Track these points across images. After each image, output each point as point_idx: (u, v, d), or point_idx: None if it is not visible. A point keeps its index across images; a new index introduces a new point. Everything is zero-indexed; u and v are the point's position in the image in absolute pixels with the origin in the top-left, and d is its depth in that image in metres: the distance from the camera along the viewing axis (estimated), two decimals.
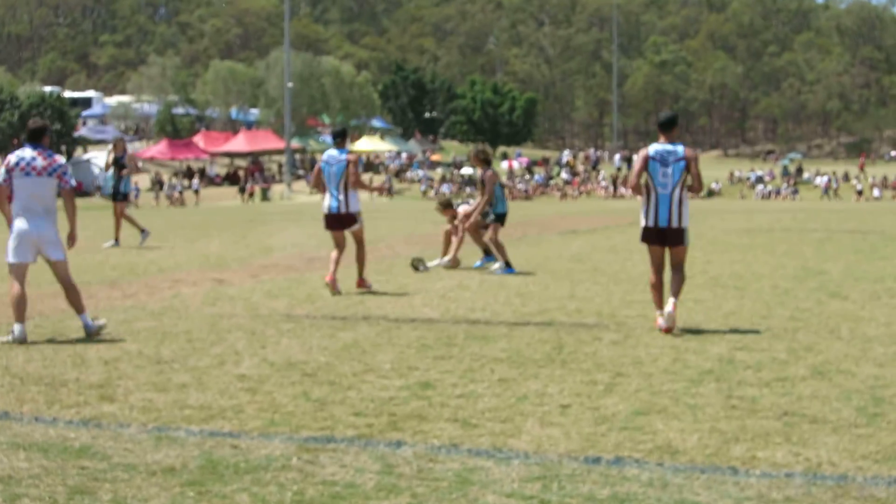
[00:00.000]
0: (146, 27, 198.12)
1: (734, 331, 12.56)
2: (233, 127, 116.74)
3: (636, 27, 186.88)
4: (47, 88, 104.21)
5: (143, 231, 25.64)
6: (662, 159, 12.58)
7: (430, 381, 9.81)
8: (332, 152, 16.65)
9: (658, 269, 12.76)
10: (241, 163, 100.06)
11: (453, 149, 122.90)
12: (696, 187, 12.73)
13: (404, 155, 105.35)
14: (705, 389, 9.47)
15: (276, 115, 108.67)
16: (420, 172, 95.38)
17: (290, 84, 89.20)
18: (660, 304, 12.58)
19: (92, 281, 17.97)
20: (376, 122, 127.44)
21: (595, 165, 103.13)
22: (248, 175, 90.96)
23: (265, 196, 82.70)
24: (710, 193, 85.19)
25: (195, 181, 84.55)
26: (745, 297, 15.72)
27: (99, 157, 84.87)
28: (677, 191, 12.56)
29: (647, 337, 12.12)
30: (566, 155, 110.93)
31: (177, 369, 10.39)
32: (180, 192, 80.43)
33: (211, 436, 7.98)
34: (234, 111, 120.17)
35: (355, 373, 10.18)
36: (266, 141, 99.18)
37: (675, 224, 12.58)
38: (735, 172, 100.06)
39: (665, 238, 12.68)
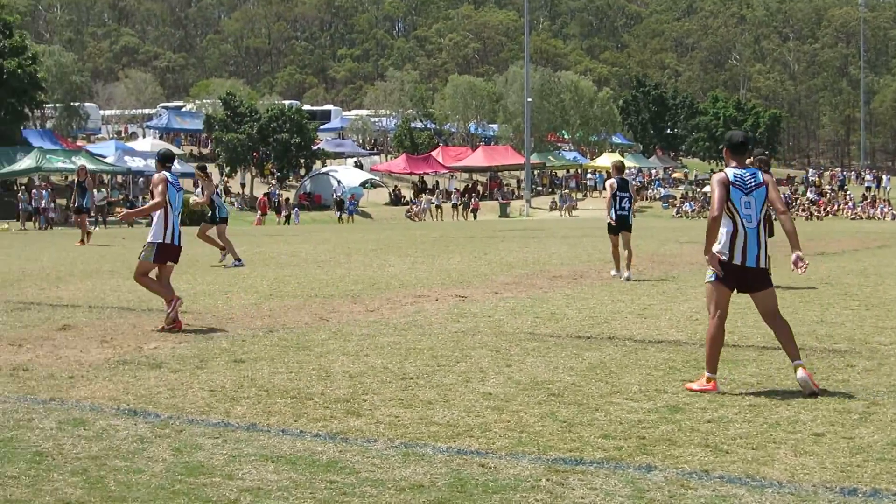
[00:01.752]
0: (384, 41, 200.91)
1: None
2: (471, 142, 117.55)
3: (884, 42, 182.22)
4: (286, 102, 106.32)
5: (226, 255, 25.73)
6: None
7: (678, 404, 9.58)
8: None
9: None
10: (480, 178, 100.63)
11: (695, 166, 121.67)
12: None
13: (646, 172, 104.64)
14: None
15: (514, 131, 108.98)
16: (662, 190, 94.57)
17: (529, 99, 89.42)
18: None
19: (334, 294, 18.18)
20: (617, 139, 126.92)
21: (842, 185, 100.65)
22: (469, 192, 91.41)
23: (504, 212, 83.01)
24: None
25: (435, 197, 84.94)
26: None
27: (339, 171, 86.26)
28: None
29: None
30: (812, 174, 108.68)
31: (422, 385, 10.36)
32: (422, 208, 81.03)
33: (458, 454, 7.91)
34: (472, 126, 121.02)
35: (602, 394, 10.00)
36: (505, 156, 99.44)
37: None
38: None
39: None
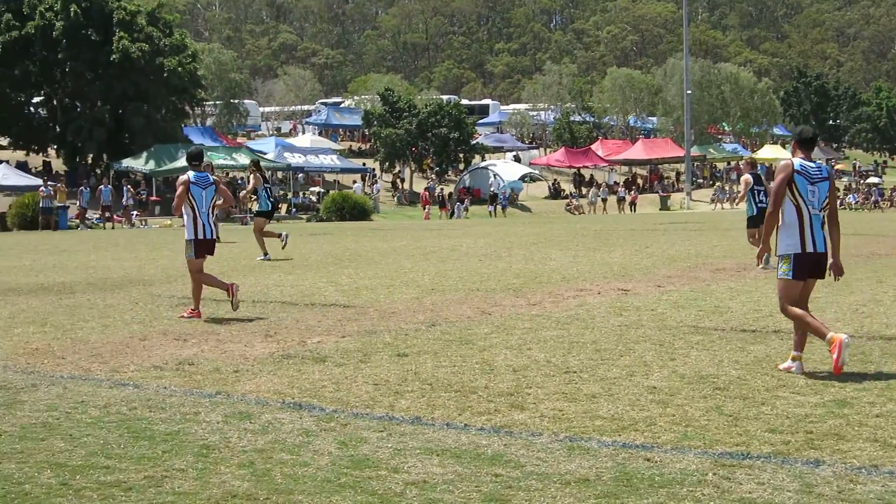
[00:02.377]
0: (541, 35, 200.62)
1: None
2: (631, 135, 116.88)
3: None
4: (444, 97, 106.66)
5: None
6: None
7: (846, 398, 9.35)
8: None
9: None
10: (640, 171, 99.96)
11: (858, 157, 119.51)
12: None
13: None
14: None
15: (674, 123, 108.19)
16: None
17: (689, 91, 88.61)
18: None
19: (496, 288, 18.15)
20: (778, 130, 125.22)
21: None
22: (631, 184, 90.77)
23: (664, 205, 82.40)
24: None
25: (601, 190, 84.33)
26: None
27: (498, 166, 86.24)
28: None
29: None
30: None
31: (586, 379, 10.26)
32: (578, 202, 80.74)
33: (623, 447, 7.81)
34: (632, 119, 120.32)
35: (768, 388, 9.81)
36: (665, 149, 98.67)
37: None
38: None
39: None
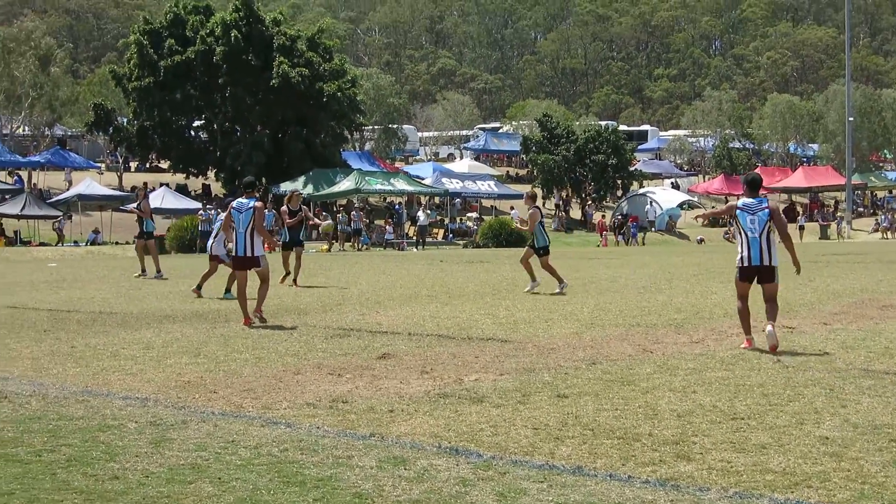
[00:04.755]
0: (701, 60, 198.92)
1: None
2: (791, 162, 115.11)
3: None
4: (602, 122, 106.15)
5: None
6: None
7: None
8: None
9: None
10: (800, 199, 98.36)
11: None
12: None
13: None
14: None
15: (835, 150, 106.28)
16: None
17: (850, 118, 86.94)
18: None
19: (657, 324, 17.69)
20: None
21: None
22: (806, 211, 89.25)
23: (824, 234, 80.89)
24: None
25: None
26: None
27: (656, 193, 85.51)
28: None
29: None
30: None
31: (754, 427, 9.77)
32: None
33: None
34: (792, 145, 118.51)
35: None
36: (826, 177, 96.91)
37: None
38: None
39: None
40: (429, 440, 9.33)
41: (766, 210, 14.91)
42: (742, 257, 15.01)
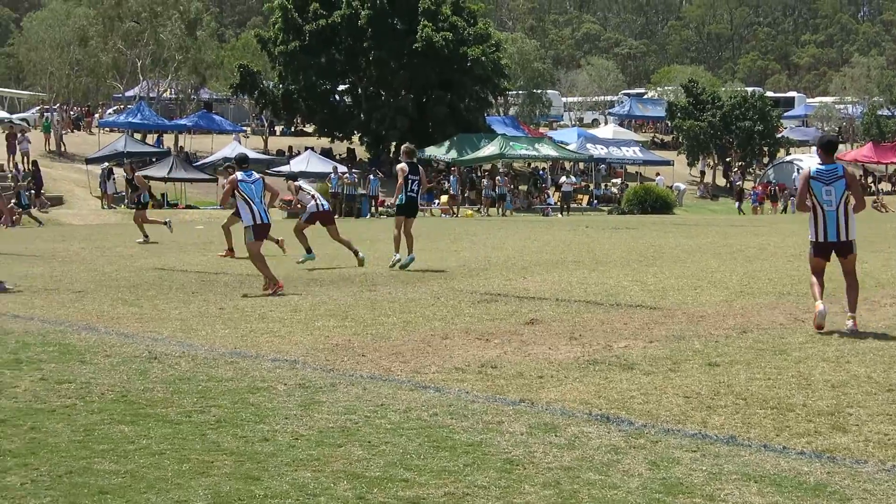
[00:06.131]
0: (849, 26, 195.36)
1: None
2: None
3: None
4: (748, 89, 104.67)
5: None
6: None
7: None
8: None
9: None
10: None
11: None
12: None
13: None
14: None
15: None
16: None
17: None
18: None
19: (808, 293, 17.28)
20: None
21: None
22: None
23: None
24: None
25: None
26: None
27: (803, 160, 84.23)
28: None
29: None
30: None
31: None
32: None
33: None
34: None
35: None
36: None
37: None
38: None
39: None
40: (579, 407, 9.25)
41: (843, 179, 13.62)
42: (817, 232, 13.88)
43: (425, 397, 9.65)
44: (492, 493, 6.89)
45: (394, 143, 78.05)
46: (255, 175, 19.05)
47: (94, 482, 7.15)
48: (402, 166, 22.30)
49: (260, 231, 18.70)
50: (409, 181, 22.11)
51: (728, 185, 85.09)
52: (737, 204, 71.99)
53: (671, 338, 12.74)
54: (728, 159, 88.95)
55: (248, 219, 18.62)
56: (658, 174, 77.21)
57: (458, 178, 65.62)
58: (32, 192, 57.50)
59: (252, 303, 16.54)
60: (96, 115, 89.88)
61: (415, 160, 22.85)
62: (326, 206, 24.27)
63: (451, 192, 63.42)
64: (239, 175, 18.83)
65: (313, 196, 23.67)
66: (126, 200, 54.47)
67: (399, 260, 21.79)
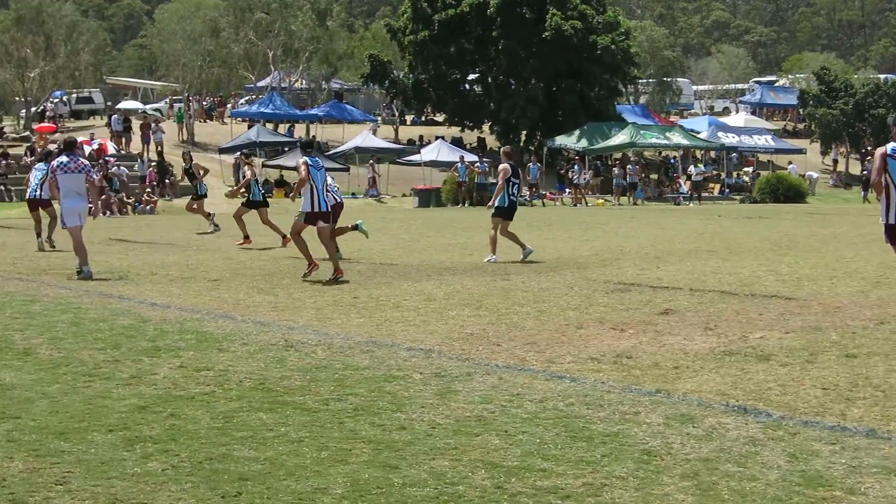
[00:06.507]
0: None
1: None
2: None
3: None
4: (882, 76, 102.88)
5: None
6: None
7: None
8: None
9: None
10: None
11: None
12: None
13: None
14: None
15: None
16: None
17: None
18: None
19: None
20: None
21: None
22: None
23: None
24: None
25: None
26: None
27: None
28: None
29: None
30: None
31: None
32: None
33: None
34: None
35: None
36: None
37: None
38: None
39: None
40: (716, 398, 9.20)
41: None
42: (890, 213, 13.29)
43: (561, 387, 9.66)
44: (630, 484, 6.89)
45: (524, 132, 77.94)
46: (321, 162, 19.65)
47: (234, 468, 7.27)
48: (504, 167, 22.19)
49: (312, 218, 18.96)
50: (511, 184, 22.05)
51: (863, 174, 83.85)
52: (863, 193, 70.69)
53: (807, 329, 12.60)
54: (864, 149, 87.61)
55: (306, 205, 18.95)
56: (790, 163, 76.14)
57: (583, 167, 65.19)
58: (164, 181, 58.17)
59: (386, 291, 16.66)
60: (228, 105, 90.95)
61: (514, 161, 22.77)
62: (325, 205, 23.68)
63: (575, 181, 63.04)
64: (309, 160, 19.17)
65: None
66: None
67: (494, 260, 21.35)
